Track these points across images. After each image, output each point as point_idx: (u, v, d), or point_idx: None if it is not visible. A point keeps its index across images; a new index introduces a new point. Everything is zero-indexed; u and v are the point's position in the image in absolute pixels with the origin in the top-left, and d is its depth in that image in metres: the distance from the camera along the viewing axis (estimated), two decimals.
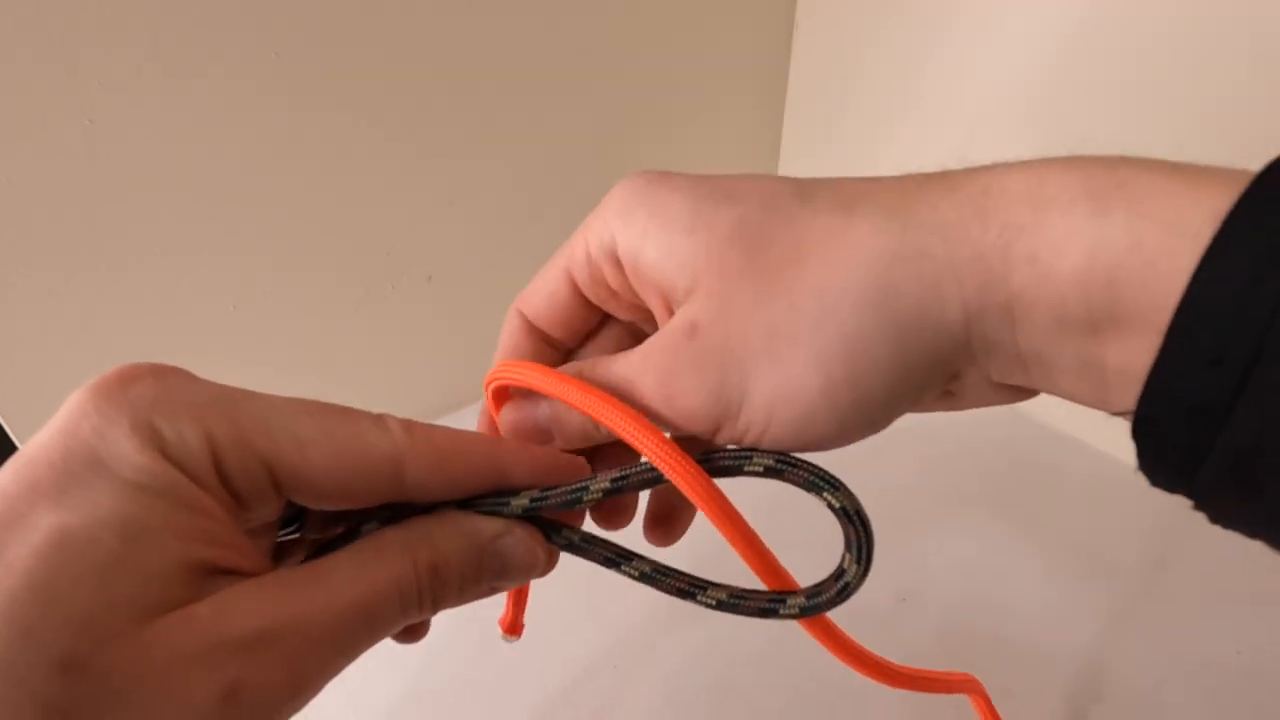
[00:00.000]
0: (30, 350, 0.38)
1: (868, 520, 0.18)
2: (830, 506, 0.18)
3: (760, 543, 0.19)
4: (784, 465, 0.18)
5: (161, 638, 0.13)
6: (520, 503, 0.18)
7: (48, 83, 0.33)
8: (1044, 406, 0.53)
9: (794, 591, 0.19)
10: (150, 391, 0.16)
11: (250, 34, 0.37)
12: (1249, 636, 0.38)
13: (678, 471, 0.17)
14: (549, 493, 0.18)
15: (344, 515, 0.19)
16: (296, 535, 0.19)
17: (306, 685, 0.15)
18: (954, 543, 0.44)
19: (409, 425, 0.18)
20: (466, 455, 0.18)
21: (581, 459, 0.20)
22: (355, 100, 0.41)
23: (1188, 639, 0.38)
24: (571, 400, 0.19)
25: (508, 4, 0.44)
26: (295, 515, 0.19)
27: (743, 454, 0.18)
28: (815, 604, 0.18)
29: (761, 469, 0.18)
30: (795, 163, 0.64)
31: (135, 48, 0.35)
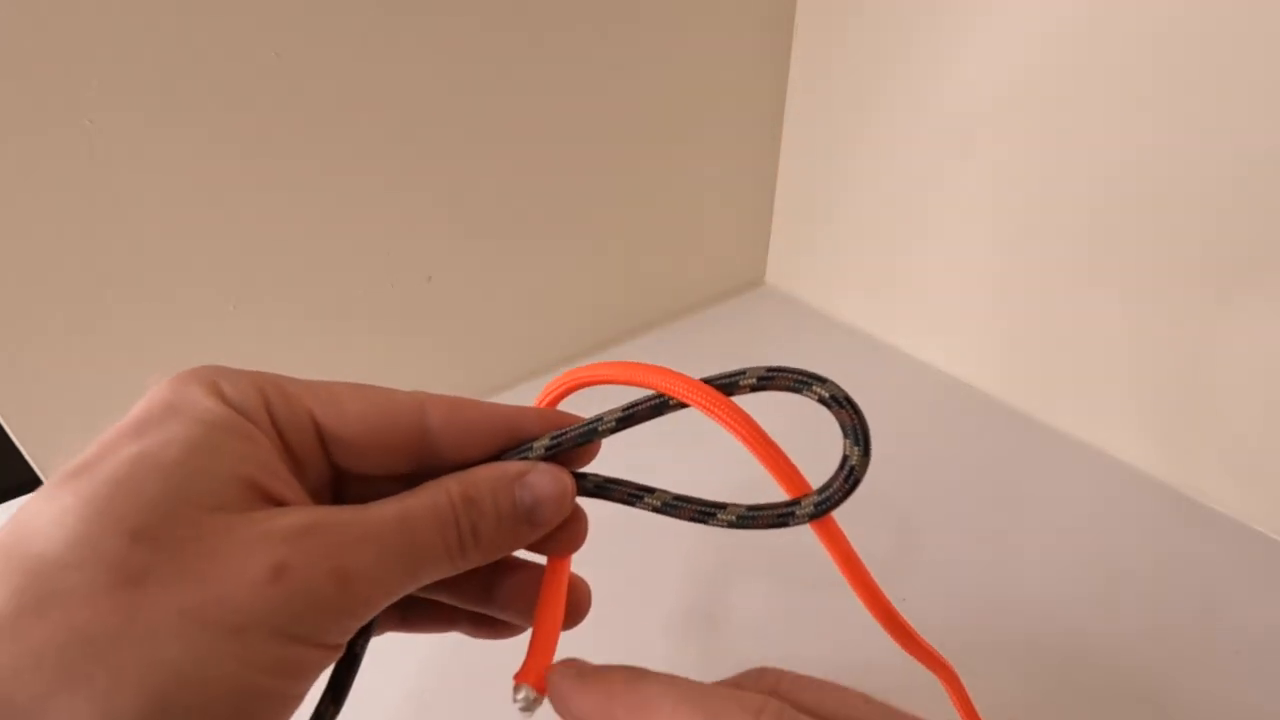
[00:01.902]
0: (29, 350, 0.38)
1: (857, 404, 0.19)
2: (820, 399, 0.19)
3: (779, 449, 0.20)
4: (772, 373, 0.19)
5: (220, 525, 0.16)
6: (542, 443, 0.20)
7: (47, 83, 0.33)
8: (1043, 407, 0.53)
9: (805, 495, 0.19)
10: (214, 369, 0.19)
11: (251, 34, 0.37)
12: (1249, 637, 0.38)
13: (700, 394, 0.19)
14: (566, 431, 0.20)
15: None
16: None
17: (349, 580, 0.17)
18: (955, 546, 0.44)
19: (429, 392, 0.20)
20: (480, 406, 0.20)
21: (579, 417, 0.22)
22: (356, 100, 0.41)
23: (1190, 641, 0.38)
24: (607, 375, 0.21)
25: (508, 5, 0.44)
26: None
27: (737, 373, 0.20)
28: (827, 498, 0.19)
29: (755, 380, 0.20)
30: (795, 163, 0.64)
31: (135, 48, 0.35)
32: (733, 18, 0.55)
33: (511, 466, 0.20)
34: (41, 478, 0.41)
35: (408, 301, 0.49)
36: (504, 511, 0.20)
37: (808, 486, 0.20)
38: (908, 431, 0.53)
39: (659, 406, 0.20)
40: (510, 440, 0.21)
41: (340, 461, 0.19)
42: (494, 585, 0.23)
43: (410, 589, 0.18)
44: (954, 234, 0.54)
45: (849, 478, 0.19)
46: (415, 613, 0.23)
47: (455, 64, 0.44)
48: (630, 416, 0.20)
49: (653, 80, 0.53)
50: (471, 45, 0.44)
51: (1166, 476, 0.47)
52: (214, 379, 0.18)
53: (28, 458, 0.40)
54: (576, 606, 0.23)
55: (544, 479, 0.20)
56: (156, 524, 0.15)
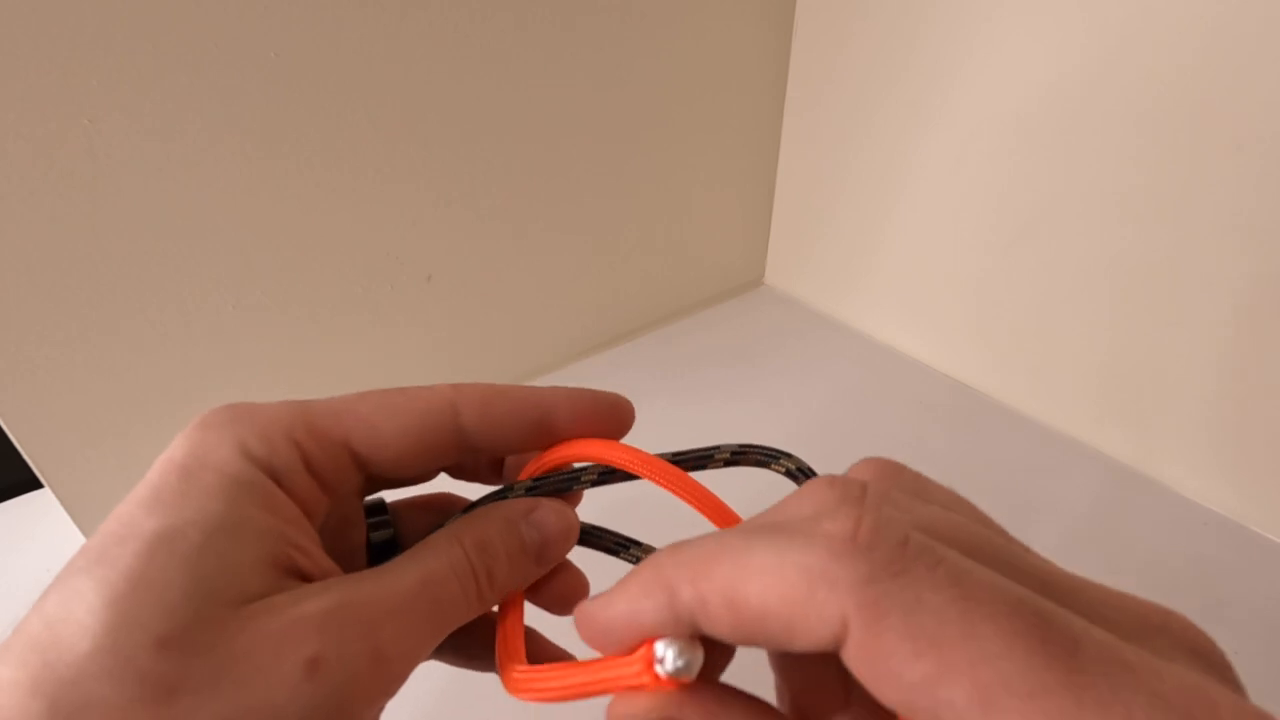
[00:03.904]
0: (29, 350, 0.38)
1: (815, 474, 0.20)
2: (784, 472, 0.20)
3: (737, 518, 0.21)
4: (742, 451, 0.21)
5: (247, 622, 0.15)
6: (524, 484, 0.21)
7: (47, 82, 0.33)
8: (1041, 407, 0.53)
9: None
10: (238, 416, 0.17)
11: (249, 33, 0.37)
12: (1248, 637, 0.38)
13: (663, 474, 0.20)
14: (547, 477, 0.21)
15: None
16: (389, 533, 0.21)
17: (385, 659, 0.16)
18: None
19: (454, 383, 0.20)
20: (509, 395, 0.20)
21: (620, 398, 0.22)
22: (355, 100, 0.41)
23: None
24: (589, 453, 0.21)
25: (507, 6, 0.44)
26: (379, 509, 0.21)
27: (708, 450, 0.21)
28: None
29: (727, 457, 0.21)
30: (795, 163, 0.64)
31: (135, 47, 0.35)
32: (732, 17, 0.55)
33: (518, 505, 0.20)
34: (41, 478, 0.41)
35: (408, 301, 0.49)
36: (514, 552, 0.20)
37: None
38: (907, 432, 0.53)
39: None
40: (542, 427, 0.20)
41: (377, 475, 0.19)
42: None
43: (434, 646, 0.18)
44: (954, 235, 0.54)
45: None
46: None
47: (454, 64, 0.44)
48: (611, 473, 0.21)
49: (652, 80, 0.53)
50: (470, 46, 0.44)
51: (1168, 479, 0.47)
52: (239, 433, 0.17)
53: (27, 458, 0.40)
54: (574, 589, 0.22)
55: (549, 516, 0.20)
56: (182, 628, 0.14)
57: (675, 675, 0.13)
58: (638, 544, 0.21)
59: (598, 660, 0.15)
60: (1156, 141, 0.41)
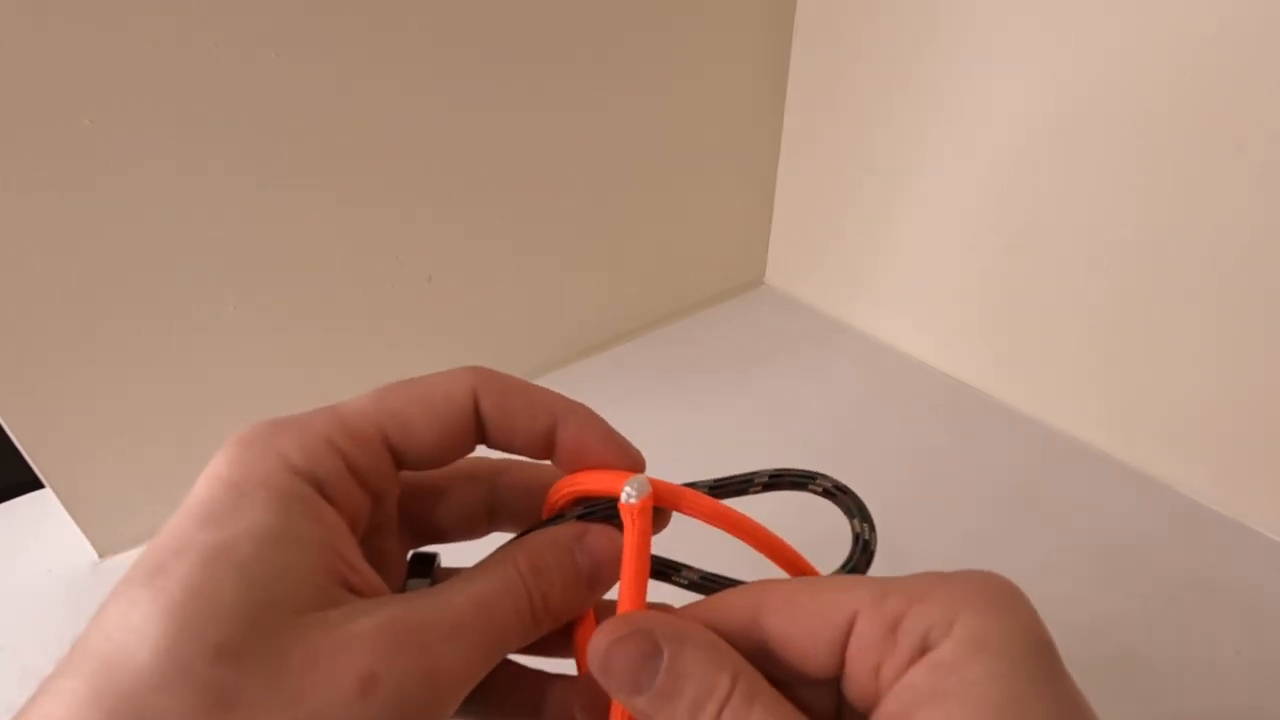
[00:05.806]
0: (29, 349, 0.38)
1: (851, 489, 0.21)
2: (820, 491, 0.21)
3: (786, 545, 0.21)
4: (777, 476, 0.21)
5: (303, 633, 0.15)
6: (573, 514, 0.21)
7: (47, 82, 0.33)
8: (1041, 407, 0.53)
9: (832, 573, 0.21)
10: (277, 430, 0.18)
11: (249, 34, 0.37)
12: (1247, 637, 0.38)
13: (703, 509, 0.20)
14: (595, 508, 0.21)
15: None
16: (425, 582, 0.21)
17: (438, 679, 0.16)
18: (955, 545, 0.44)
19: (469, 367, 0.21)
20: (525, 390, 0.21)
21: (633, 449, 0.21)
22: (356, 101, 0.41)
23: (1190, 640, 0.38)
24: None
25: (505, 7, 0.44)
26: (426, 561, 0.22)
27: (747, 477, 0.21)
28: (852, 570, 0.20)
29: (762, 484, 0.21)
30: (795, 163, 0.64)
31: (135, 47, 0.35)
32: (732, 18, 0.55)
33: (566, 531, 0.20)
34: (42, 478, 0.41)
35: (408, 301, 0.49)
36: (567, 575, 0.20)
37: (811, 568, 0.21)
38: (908, 432, 0.53)
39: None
40: (549, 434, 0.21)
41: (410, 461, 0.20)
42: (541, 700, 0.22)
43: (487, 671, 0.18)
44: (956, 235, 0.54)
45: (865, 550, 0.20)
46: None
47: (455, 63, 0.44)
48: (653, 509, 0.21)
49: (652, 81, 0.53)
50: (470, 44, 0.44)
51: (1170, 479, 0.47)
52: (280, 447, 0.17)
53: (28, 458, 0.40)
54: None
55: (600, 540, 0.20)
56: (239, 637, 0.14)
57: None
58: (688, 567, 0.21)
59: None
60: (1157, 142, 0.41)
